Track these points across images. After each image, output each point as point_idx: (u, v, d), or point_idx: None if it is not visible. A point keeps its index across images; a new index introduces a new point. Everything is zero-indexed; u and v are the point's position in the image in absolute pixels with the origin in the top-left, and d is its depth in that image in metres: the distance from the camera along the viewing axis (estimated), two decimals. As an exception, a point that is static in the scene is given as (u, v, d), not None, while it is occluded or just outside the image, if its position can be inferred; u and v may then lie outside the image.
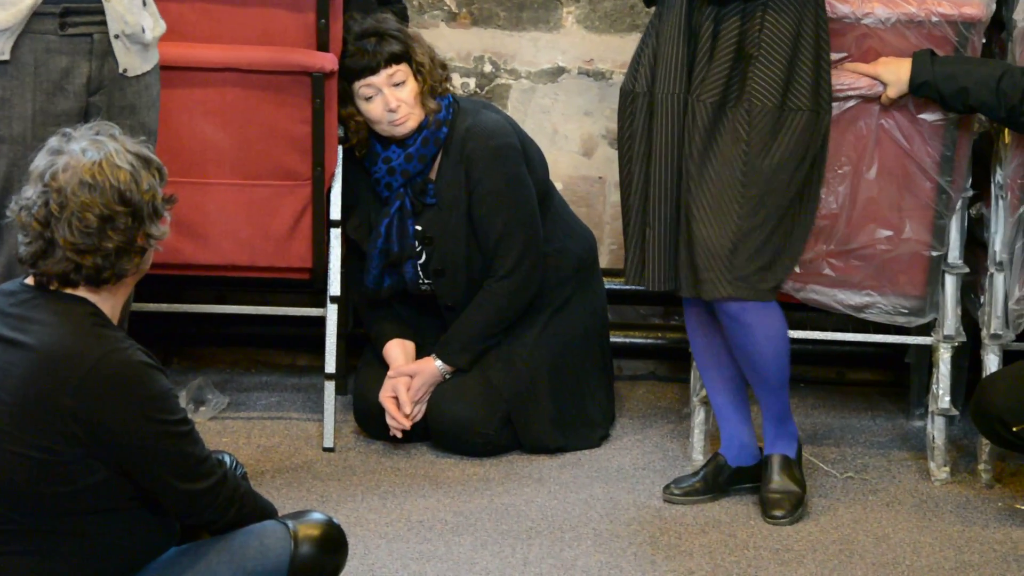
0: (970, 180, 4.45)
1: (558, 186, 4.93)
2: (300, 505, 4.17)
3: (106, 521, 3.19)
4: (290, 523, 3.30)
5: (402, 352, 4.67)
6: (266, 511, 3.34)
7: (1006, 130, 4.39)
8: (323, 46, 4.46)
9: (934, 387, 4.52)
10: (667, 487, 4.38)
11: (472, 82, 5.15)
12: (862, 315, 4.51)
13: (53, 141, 3.22)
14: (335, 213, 4.59)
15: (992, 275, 4.45)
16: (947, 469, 4.51)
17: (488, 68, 5.16)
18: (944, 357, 4.51)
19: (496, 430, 4.58)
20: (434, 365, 4.60)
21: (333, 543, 3.32)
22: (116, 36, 3.81)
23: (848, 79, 4.33)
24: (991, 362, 4.48)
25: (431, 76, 4.57)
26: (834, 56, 4.37)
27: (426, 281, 4.67)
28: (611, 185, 5.18)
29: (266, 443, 4.65)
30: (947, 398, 4.50)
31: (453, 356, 4.60)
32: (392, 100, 4.52)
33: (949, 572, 4.02)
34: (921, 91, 4.29)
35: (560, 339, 4.65)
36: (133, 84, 3.86)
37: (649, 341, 5.17)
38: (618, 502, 4.32)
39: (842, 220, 4.41)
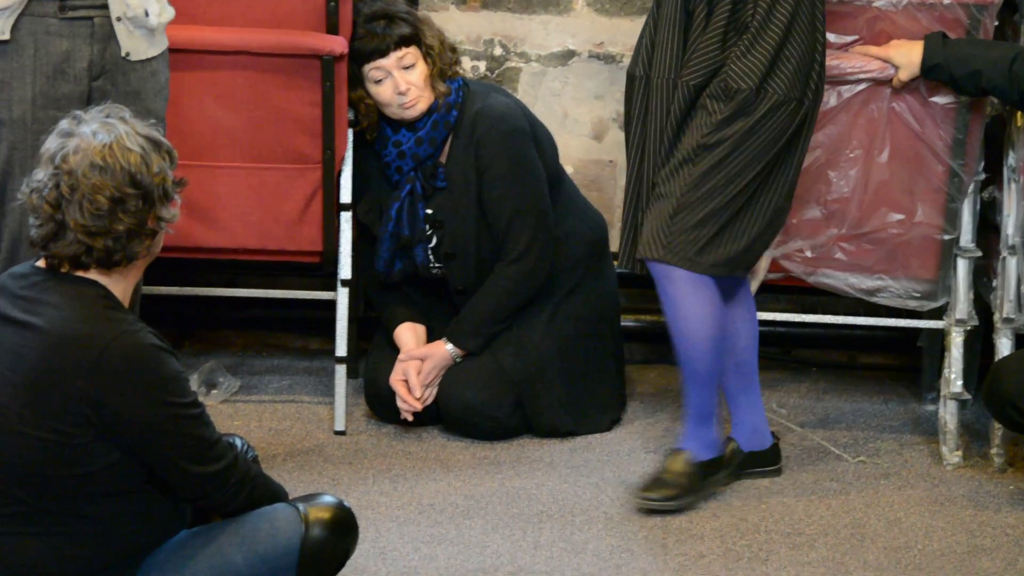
0: (982, 163, 4.44)
1: (569, 170, 4.92)
2: (311, 488, 4.17)
3: (117, 504, 3.19)
4: (301, 506, 3.30)
5: (413, 336, 4.67)
6: (277, 494, 3.34)
7: (1019, 113, 4.38)
8: (333, 29, 4.45)
9: (946, 371, 4.51)
10: (678, 471, 4.38)
11: (482, 65, 5.14)
12: (874, 299, 4.50)
13: (64, 124, 3.22)
14: (345, 196, 4.59)
15: (1004, 258, 4.44)
16: (959, 453, 4.51)
17: (498, 51, 5.15)
18: (956, 341, 4.50)
19: (507, 414, 4.57)
20: (445, 349, 4.60)
21: (344, 526, 3.33)
22: (118, 19, 3.80)
23: (859, 62, 4.32)
24: (1003, 346, 4.47)
25: (441, 59, 4.56)
26: (845, 39, 4.36)
27: (437, 265, 4.67)
28: (621, 169, 5.16)
29: (277, 426, 4.65)
30: (959, 382, 4.49)
31: (464, 339, 4.60)
32: (402, 83, 4.51)
33: (961, 556, 4.02)
34: (933, 74, 4.28)
35: (571, 323, 4.64)
36: (138, 69, 3.85)
37: (660, 325, 5.16)
38: (629, 486, 4.32)
39: (853, 204, 4.40)
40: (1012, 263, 4.43)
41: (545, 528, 4.10)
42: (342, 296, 4.61)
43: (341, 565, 3.34)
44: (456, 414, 4.58)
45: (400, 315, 4.69)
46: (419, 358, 4.60)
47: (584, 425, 4.63)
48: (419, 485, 4.31)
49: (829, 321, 4.71)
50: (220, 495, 3.25)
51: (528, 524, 4.12)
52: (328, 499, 3.34)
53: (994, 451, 4.50)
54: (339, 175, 4.58)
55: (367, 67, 4.53)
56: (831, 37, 4.36)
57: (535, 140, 4.62)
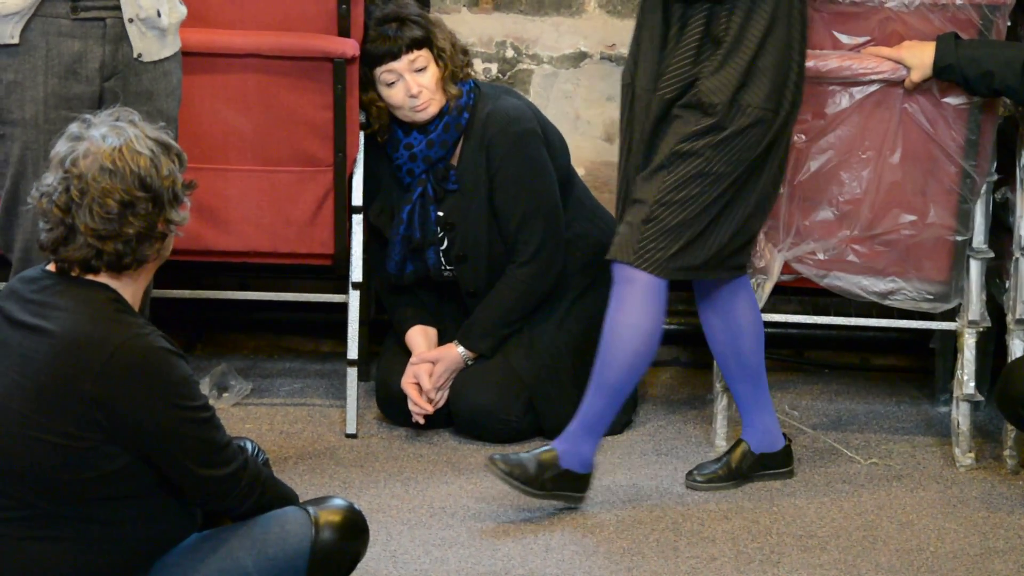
0: (995, 164, 4.43)
1: (580, 172, 4.92)
2: (322, 491, 4.17)
3: (128, 507, 3.19)
4: (311, 509, 3.30)
5: (424, 338, 4.67)
6: (287, 497, 3.34)
7: (1031, 114, 4.37)
8: (344, 32, 4.45)
9: (959, 372, 4.51)
10: (690, 473, 4.37)
11: (494, 67, 5.14)
12: (887, 302, 4.50)
13: (73, 127, 3.22)
14: (357, 199, 4.59)
15: (1017, 259, 4.43)
16: (972, 455, 4.50)
17: (510, 53, 5.14)
18: (969, 342, 4.49)
19: (518, 416, 4.57)
20: (456, 351, 4.60)
21: (354, 529, 3.32)
22: (130, 20, 3.81)
23: (871, 63, 4.31)
24: (1016, 347, 4.46)
25: (452, 61, 4.56)
26: (857, 40, 4.35)
27: (448, 267, 4.67)
28: (633, 171, 5.16)
29: (289, 429, 4.65)
30: (972, 384, 4.48)
31: (475, 342, 4.60)
32: (413, 86, 4.51)
33: (974, 558, 4.01)
34: (945, 75, 4.27)
35: (582, 325, 4.64)
36: (150, 70, 3.86)
37: (672, 327, 5.15)
38: (640, 488, 4.31)
39: (866, 205, 4.39)
40: (1025, 264, 4.42)
41: (556, 531, 4.10)
42: (353, 299, 4.61)
43: (351, 568, 3.34)
44: (467, 417, 4.58)
45: (411, 318, 4.69)
46: (431, 361, 4.60)
47: (596, 427, 4.63)
48: (430, 488, 4.31)
49: (841, 323, 4.70)
50: (230, 498, 3.25)
51: (539, 527, 4.11)
52: (339, 502, 3.34)
53: (1007, 453, 4.49)
54: (351, 178, 4.58)
55: (379, 70, 4.53)
56: (843, 38, 4.36)
57: (546, 142, 4.61)
